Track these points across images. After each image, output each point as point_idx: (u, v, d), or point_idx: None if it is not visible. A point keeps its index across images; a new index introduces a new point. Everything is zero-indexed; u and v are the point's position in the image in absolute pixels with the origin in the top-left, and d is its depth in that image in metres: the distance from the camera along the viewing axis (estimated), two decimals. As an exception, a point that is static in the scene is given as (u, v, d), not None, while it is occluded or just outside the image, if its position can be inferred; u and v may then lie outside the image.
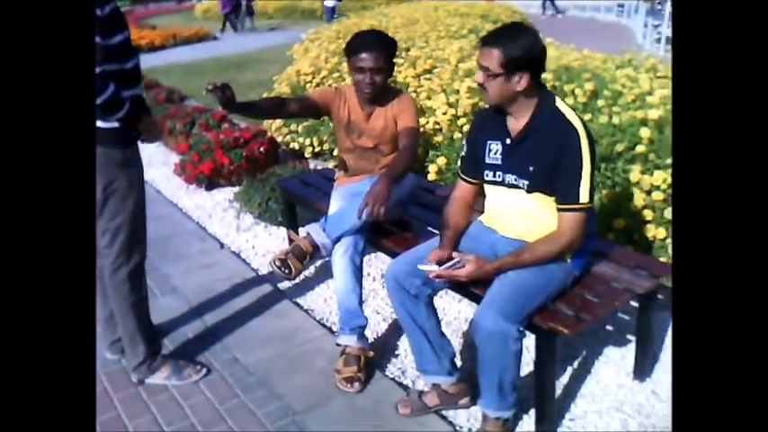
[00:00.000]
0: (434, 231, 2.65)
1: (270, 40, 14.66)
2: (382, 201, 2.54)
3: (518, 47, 2.07)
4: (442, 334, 2.40)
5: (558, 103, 2.18)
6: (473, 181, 2.41)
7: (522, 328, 2.06)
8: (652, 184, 3.37)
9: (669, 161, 3.43)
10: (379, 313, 3.15)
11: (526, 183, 2.19)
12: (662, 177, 3.35)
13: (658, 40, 11.81)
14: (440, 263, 2.22)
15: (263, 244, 4.06)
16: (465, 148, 2.43)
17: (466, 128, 4.17)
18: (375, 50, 2.77)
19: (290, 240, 3.73)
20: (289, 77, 6.68)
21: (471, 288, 2.28)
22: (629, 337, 2.78)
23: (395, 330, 3.01)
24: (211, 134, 5.41)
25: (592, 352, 2.74)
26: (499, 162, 2.26)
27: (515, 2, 15.08)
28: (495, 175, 2.29)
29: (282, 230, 4.13)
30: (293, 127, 5.71)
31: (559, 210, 2.15)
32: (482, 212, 2.47)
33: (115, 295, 2.57)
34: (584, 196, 2.10)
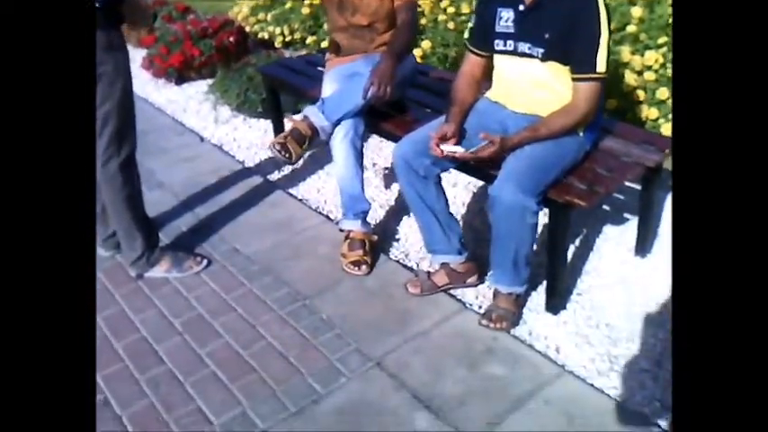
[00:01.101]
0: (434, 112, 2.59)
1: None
2: (388, 80, 2.45)
3: None
4: (451, 213, 2.39)
5: None
6: (482, 53, 2.32)
7: (538, 202, 2.05)
8: (644, 65, 3.34)
9: (661, 41, 3.38)
10: (375, 200, 3.11)
11: (541, 51, 2.12)
12: (654, 57, 3.32)
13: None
14: (445, 138, 2.18)
15: (245, 136, 3.94)
16: (473, 19, 2.34)
17: (450, 10, 4.04)
18: None
19: (276, 130, 3.63)
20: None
21: (483, 166, 2.24)
22: (627, 215, 2.82)
23: (393, 216, 3.00)
24: (177, 25, 5.13)
25: (592, 230, 2.77)
26: (511, 30, 2.18)
27: None
28: (506, 45, 2.21)
29: (263, 122, 4.00)
30: (261, 16, 5.45)
31: (575, 79, 2.10)
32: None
33: (107, 188, 2.45)
34: (601, 65, 2.05)
